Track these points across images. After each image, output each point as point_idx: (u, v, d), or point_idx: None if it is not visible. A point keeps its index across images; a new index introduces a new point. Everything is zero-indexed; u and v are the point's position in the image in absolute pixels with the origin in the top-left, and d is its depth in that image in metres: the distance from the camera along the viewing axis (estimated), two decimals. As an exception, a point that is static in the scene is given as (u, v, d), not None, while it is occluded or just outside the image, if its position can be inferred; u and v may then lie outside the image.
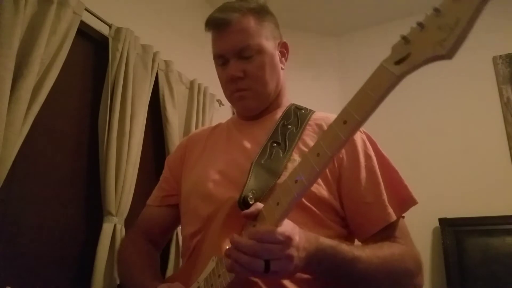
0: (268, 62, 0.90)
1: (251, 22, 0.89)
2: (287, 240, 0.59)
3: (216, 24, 0.90)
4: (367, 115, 0.52)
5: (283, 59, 0.98)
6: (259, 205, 0.66)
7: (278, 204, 0.60)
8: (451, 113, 2.54)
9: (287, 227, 0.60)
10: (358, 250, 0.69)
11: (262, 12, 0.92)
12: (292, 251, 0.59)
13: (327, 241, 0.66)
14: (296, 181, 0.59)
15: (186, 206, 0.93)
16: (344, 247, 0.68)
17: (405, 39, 0.51)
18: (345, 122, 0.54)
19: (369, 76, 0.54)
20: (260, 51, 0.89)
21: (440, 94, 2.60)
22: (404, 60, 0.50)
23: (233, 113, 2.84)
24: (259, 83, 0.90)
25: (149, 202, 1.05)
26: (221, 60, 0.92)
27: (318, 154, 0.57)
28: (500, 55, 2.48)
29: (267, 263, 0.57)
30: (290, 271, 0.60)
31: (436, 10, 0.47)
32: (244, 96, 0.90)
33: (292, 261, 0.59)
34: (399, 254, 0.74)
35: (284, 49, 0.98)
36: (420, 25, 0.49)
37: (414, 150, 2.53)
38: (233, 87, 0.90)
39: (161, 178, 1.07)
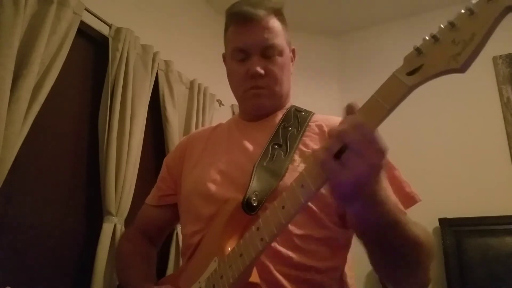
0: (286, 64, 0.92)
1: (276, 23, 0.90)
2: (385, 152, 0.51)
3: (244, 18, 0.88)
4: (378, 124, 0.52)
5: (292, 63, 0.99)
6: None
7: (283, 207, 0.60)
8: (451, 113, 2.54)
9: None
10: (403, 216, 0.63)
11: (282, 15, 0.94)
12: (380, 161, 0.50)
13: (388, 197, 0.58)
14: (302, 186, 0.58)
15: (187, 206, 0.92)
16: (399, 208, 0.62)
17: (418, 50, 0.51)
18: None
19: (380, 85, 0.54)
20: (281, 52, 0.90)
21: (440, 94, 2.59)
22: (417, 71, 0.50)
23: (233, 113, 2.84)
24: (277, 83, 0.90)
25: (147, 201, 1.06)
26: (241, 54, 0.90)
27: None
28: (500, 55, 2.48)
29: (342, 150, 0.51)
30: (362, 180, 0.51)
31: (451, 24, 0.47)
32: (261, 94, 0.90)
33: (371, 172, 0.51)
34: (426, 234, 0.69)
35: (293, 55, 1.00)
36: (434, 37, 0.49)
37: (414, 150, 2.53)
38: (251, 84, 0.89)
39: (159, 177, 1.06)
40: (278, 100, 0.94)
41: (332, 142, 0.52)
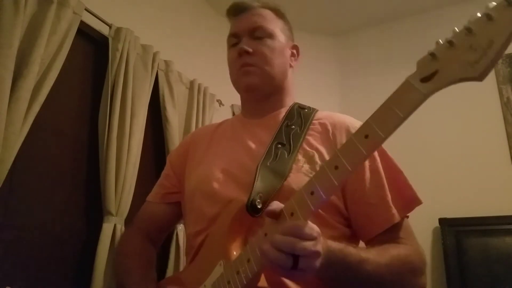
0: (277, 48, 0.94)
1: (267, 12, 0.96)
2: (318, 236, 0.57)
3: (237, 9, 0.96)
4: (391, 132, 0.51)
5: (292, 58, 1.00)
6: (279, 204, 0.62)
7: (292, 214, 0.58)
8: (451, 113, 2.54)
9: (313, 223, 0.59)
10: (364, 252, 0.68)
11: (279, 11, 0.99)
12: (320, 248, 0.57)
13: (334, 244, 0.65)
14: (312, 193, 0.57)
15: (190, 205, 0.92)
16: (351, 250, 0.66)
17: (432, 55, 0.48)
18: (366, 137, 0.53)
19: (393, 91, 0.52)
20: (272, 35, 0.94)
21: (439, 93, 2.58)
22: (431, 78, 0.48)
23: (233, 113, 2.83)
24: (266, 62, 0.92)
25: (149, 198, 1.05)
26: (234, 39, 0.95)
27: (336, 167, 0.55)
28: (500, 55, 2.48)
29: (296, 259, 0.54)
30: (315, 270, 0.57)
31: (467, 29, 0.45)
32: (250, 71, 0.92)
33: (318, 259, 0.57)
34: (404, 254, 0.74)
35: (295, 50, 1.02)
36: (449, 42, 0.47)
37: (413, 150, 2.52)
38: (240, 62, 0.92)
39: (162, 174, 1.06)
40: (269, 80, 0.93)
41: (285, 258, 0.54)
